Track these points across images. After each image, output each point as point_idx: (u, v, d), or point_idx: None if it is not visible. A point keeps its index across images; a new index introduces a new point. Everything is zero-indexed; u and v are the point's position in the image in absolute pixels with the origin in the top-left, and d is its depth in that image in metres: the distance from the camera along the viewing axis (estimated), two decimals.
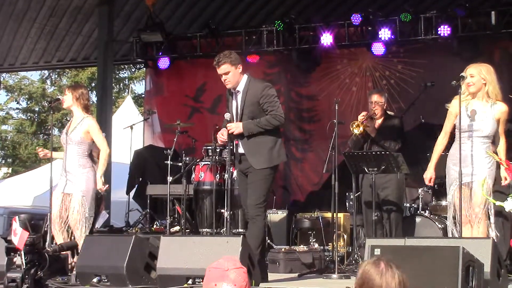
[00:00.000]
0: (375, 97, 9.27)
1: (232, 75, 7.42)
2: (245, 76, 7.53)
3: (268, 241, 9.76)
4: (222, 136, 7.56)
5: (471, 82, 7.06)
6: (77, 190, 8.22)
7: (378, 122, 9.26)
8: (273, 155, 7.47)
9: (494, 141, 7.15)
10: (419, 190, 10.03)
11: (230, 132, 7.42)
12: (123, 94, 33.17)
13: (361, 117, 9.00)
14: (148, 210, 12.29)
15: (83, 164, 8.32)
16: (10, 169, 33.12)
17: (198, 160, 10.88)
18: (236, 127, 7.40)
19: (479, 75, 7.05)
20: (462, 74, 7.17)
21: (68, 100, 8.49)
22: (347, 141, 9.43)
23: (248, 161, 7.45)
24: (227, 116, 7.59)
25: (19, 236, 6.90)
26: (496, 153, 6.91)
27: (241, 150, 7.53)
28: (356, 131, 8.93)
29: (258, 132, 7.42)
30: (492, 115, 7.03)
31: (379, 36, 12.79)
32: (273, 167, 7.52)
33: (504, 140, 7.10)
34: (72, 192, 8.24)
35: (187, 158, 11.16)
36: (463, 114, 7.01)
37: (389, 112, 9.60)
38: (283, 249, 8.96)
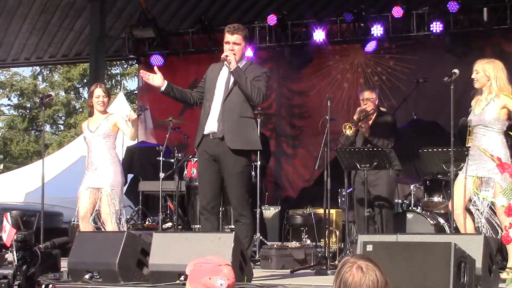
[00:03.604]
0: (366, 94, 9.24)
1: (240, 49, 7.13)
2: (246, 59, 7.35)
3: (261, 237, 9.76)
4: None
5: (476, 78, 7.05)
6: (107, 184, 8.31)
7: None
8: (252, 138, 7.15)
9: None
10: (411, 186, 10.03)
11: (224, 55, 7.06)
12: (115, 91, 33.11)
13: (356, 116, 8.95)
14: (140, 206, 12.30)
15: (112, 158, 8.42)
16: (2, 165, 33.03)
17: (190, 157, 10.87)
18: (234, 59, 7.02)
19: (483, 72, 7.01)
20: (454, 70, 7.18)
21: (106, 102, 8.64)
22: (339, 137, 9.42)
23: (223, 144, 7.02)
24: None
25: (8, 233, 6.90)
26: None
27: (209, 130, 7.14)
28: (349, 132, 8.90)
29: (241, 111, 7.08)
30: (496, 107, 6.95)
31: (372, 33, 12.80)
32: (250, 157, 7.30)
33: None
34: (101, 186, 8.32)
35: (179, 155, 11.16)
36: (471, 111, 7.05)
37: (381, 109, 9.59)
38: (275, 246, 8.95)
